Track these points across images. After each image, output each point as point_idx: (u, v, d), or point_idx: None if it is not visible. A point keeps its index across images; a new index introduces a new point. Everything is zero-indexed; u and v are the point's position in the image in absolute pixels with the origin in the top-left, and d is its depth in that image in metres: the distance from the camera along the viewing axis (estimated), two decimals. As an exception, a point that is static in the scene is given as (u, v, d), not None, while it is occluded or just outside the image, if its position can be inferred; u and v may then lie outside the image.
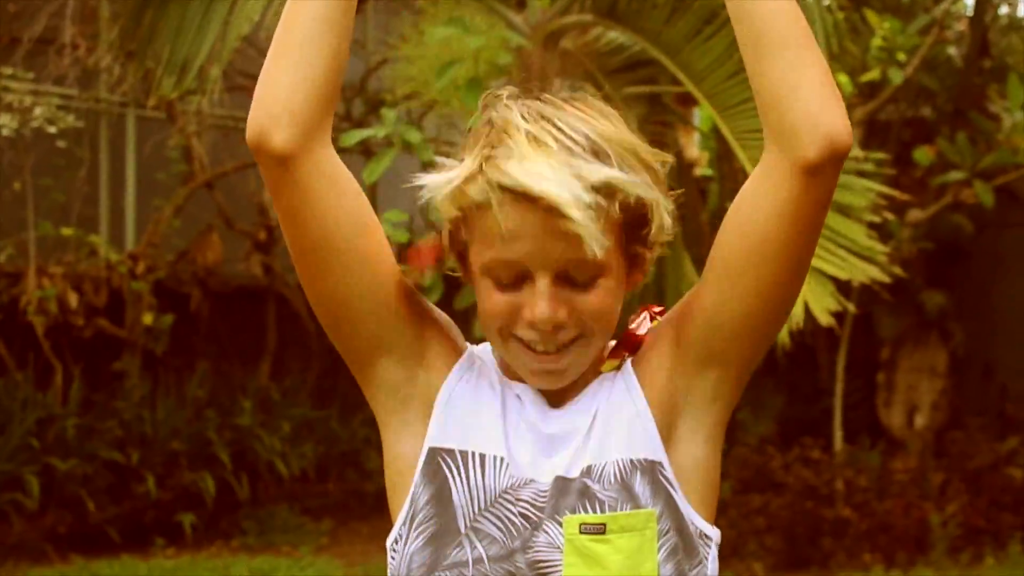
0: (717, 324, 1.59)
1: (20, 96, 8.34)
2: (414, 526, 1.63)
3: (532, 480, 1.61)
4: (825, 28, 6.55)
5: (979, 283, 9.45)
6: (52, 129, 8.39)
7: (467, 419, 1.64)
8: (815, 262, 6.14)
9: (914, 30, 7.78)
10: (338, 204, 1.60)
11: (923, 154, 8.36)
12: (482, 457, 1.62)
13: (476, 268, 1.61)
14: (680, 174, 8.49)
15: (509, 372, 1.68)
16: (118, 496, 8.58)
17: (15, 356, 8.69)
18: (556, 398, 1.66)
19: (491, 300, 1.60)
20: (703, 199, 9.44)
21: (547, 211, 1.51)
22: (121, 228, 9.61)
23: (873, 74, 7.55)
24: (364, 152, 8.75)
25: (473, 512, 1.61)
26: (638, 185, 1.55)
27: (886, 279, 6.46)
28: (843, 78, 7.29)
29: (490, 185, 1.53)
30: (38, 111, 8.32)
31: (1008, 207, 8.77)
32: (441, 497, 1.62)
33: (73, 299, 8.62)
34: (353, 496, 9.73)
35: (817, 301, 6.03)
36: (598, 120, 1.57)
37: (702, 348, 1.61)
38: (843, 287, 6.37)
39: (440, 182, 1.58)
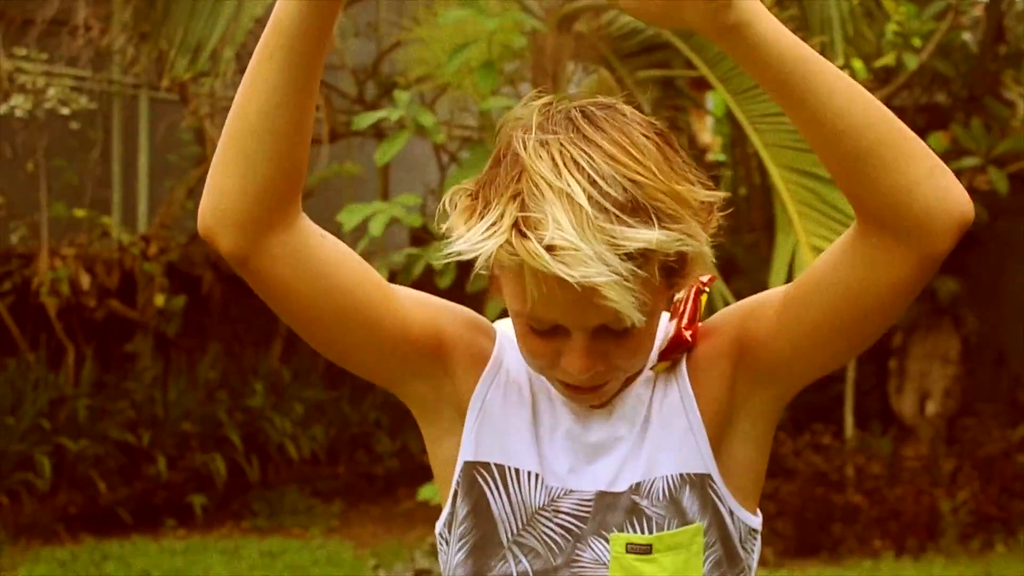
0: (795, 357, 1.54)
1: (33, 77, 8.34)
2: (454, 534, 1.61)
3: (572, 491, 1.58)
4: (840, 13, 6.53)
5: (992, 270, 9.42)
6: (65, 110, 8.39)
7: (500, 431, 1.59)
8: (828, 246, 6.13)
9: (929, 15, 7.74)
10: (315, 283, 1.51)
11: (937, 140, 8.33)
12: (517, 472, 1.58)
13: (508, 306, 1.54)
14: (693, 159, 8.45)
15: None
16: (129, 477, 8.61)
17: (27, 337, 8.70)
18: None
19: (527, 342, 1.53)
20: (716, 184, 9.41)
21: (583, 287, 1.41)
22: (133, 210, 9.62)
23: (888, 59, 7.52)
24: (377, 134, 8.74)
25: (517, 527, 1.58)
26: (679, 242, 1.45)
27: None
28: (858, 63, 7.27)
29: (520, 258, 1.43)
30: (51, 92, 8.32)
31: (1022, 194, 8.74)
32: (479, 510, 1.59)
33: (85, 280, 8.63)
34: (364, 478, 9.74)
35: (829, 287, 6.01)
36: (635, 159, 1.46)
37: (770, 373, 1.56)
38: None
39: (471, 245, 1.45)
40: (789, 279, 6.25)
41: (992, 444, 8.38)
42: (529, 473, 1.58)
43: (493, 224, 1.44)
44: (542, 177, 1.43)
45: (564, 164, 1.44)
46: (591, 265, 1.40)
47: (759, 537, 1.63)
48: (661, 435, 1.58)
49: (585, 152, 1.45)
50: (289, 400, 9.36)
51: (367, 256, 8.32)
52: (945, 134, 8.37)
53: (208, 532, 8.45)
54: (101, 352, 8.92)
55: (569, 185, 1.42)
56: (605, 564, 1.55)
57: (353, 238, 7.34)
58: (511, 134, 1.50)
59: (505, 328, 1.65)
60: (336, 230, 7.13)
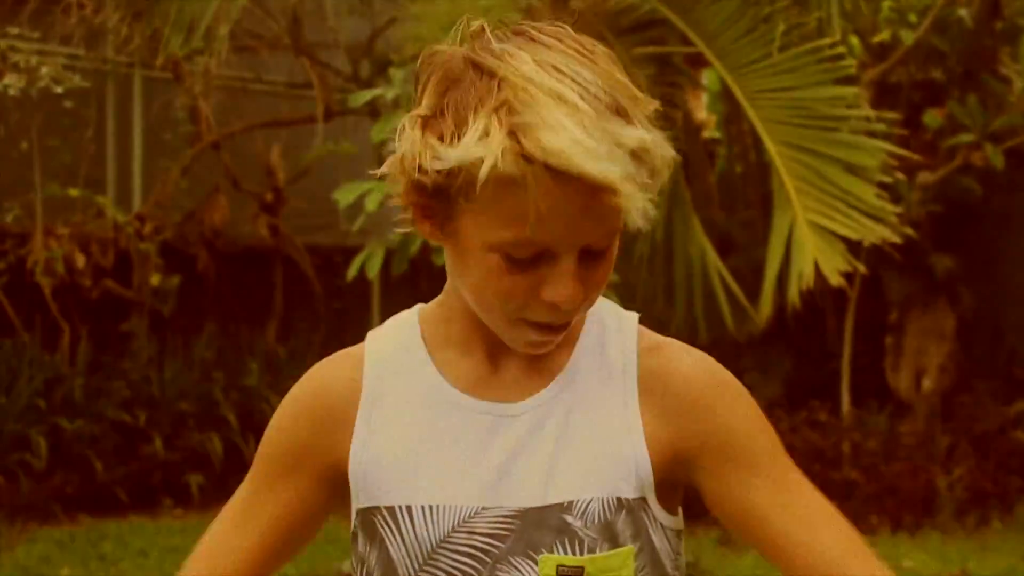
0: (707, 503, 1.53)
1: (26, 56, 8.30)
2: None
3: (484, 508, 1.47)
4: (837, -11, 6.50)
5: (988, 246, 9.41)
6: (58, 89, 8.36)
7: (388, 470, 1.50)
8: (826, 222, 6.11)
9: (925, -9, 7.73)
10: None
11: (933, 117, 8.32)
12: (409, 510, 1.48)
13: (479, 243, 1.37)
14: (688, 136, 8.45)
15: (440, 353, 1.51)
16: (125, 457, 8.60)
17: (22, 317, 8.69)
18: (514, 391, 1.49)
19: (502, 282, 1.38)
20: (711, 162, 9.40)
21: (592, 189, 1.30)
22: (128, 189, 9.60)
23: (884, 35, 7.51)
24: (371, 113, 8.72)
25: (415, 568, 1.48)
26: (660, 147, 1.35)
27: (897, 239, 6.43)
28: (854, 39, 7.25)
29: (529, 160, 1.29)
30: (44, 71, 8.28)
31: (1018, 170, 8.72)
32: (379, 555, 1.51)
33: (80, 260, 8.62)
34: (360, 457, 9.74)
35: (827, 261, 6.00)
36: (599, 65, 1.36)
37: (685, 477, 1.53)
38: (852, 248, 6.35)
39: (467, 151, 1.31)
40: (787, 255, 6.23)
41: (988, 420, 8.40)
42: (426, 508, 1.48)
43: (483, 136, 1.30)
44: (528, 80, 1.31)
45: (544, 68, 1.33)
46: (605, 161, 1.29)
47: (682, 535, 1.56)
48: (596, 453, 1.48)
49: (554, 55, 1.35)
50: (285, 379, 9.35)
51: (363, 235, 8.23)
52: (941, 110, 8.36)
53: (205, 511, 8.44)
54: (96, 332, 8.91)
55: (559, 87, 1.31)
56: None
57: (349, 216, 7.33)
58: (449, 60, 1.39)
59: (376, 340, 1.55)
60: (332, 208, 7.12)
